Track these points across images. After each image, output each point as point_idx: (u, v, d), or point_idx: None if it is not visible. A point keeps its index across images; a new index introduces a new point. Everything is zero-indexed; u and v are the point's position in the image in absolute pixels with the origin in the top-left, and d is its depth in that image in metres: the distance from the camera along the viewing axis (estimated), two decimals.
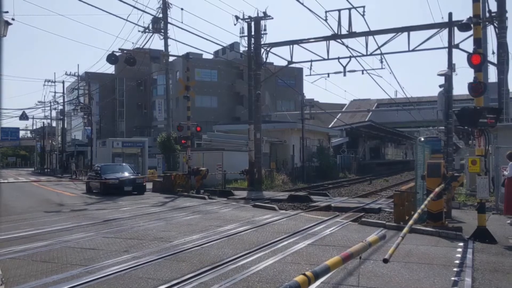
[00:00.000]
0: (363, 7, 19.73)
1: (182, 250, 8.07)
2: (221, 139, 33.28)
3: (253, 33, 22.94)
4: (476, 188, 9.43)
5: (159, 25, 30.35)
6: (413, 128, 60.32)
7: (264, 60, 23.31)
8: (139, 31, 30.39)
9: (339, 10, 20.22)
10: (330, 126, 50.37)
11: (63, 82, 55.88)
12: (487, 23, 17.73)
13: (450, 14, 18.30)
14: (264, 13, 22.84)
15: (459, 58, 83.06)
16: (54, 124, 65.68)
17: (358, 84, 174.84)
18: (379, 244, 6.67)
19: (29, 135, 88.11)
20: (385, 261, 4.07)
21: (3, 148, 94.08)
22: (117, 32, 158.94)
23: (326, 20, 19.98)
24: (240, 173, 23.69)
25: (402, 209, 10.70)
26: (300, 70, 54.95)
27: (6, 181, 35.49)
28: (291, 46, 22.30)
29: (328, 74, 24.62)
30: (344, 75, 22.53)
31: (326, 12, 19.91)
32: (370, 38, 20.51)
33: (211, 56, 50.45)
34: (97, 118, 47.78)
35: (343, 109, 65.19)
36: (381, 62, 22.52)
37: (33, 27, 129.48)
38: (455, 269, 6.63)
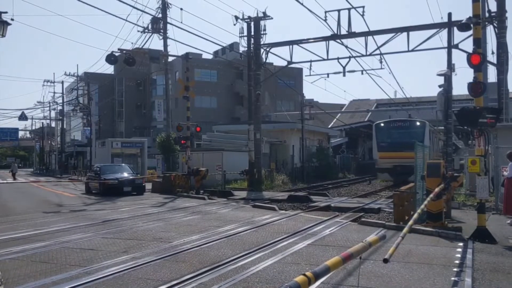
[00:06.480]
0: (363, 7, 19.77)
1: (181, 250, 8.05)
2: (221, 140, 33.23)
3: (252, 33, 22.93)
4: (475, 188, 9.42)
5: (159, 25, 30.29)
6: None
7: (264, 60, 23.30)
8: (138, 31, 30.34)
9: (338, 11, 20.24)
10: (329, 126, 50.39)
11: (62, 83, 55.91)
12: (486, 23, 17.73)
13: (449, 14, 18.31)
14: (264, 13, 22.84)
15: (459, 58, 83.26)
16: (53, 124, 65.79)
17: (357, 84, 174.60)
18: (379, 244, 6.65)
19: (28, 135, 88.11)
20: (385, 261, 4.06)
21: (2, 148, 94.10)
22: (116, 32, 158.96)
23: (325, 20, 20.01)
24: (240, 173, 23.66)
25: (401, 209, 10.69)
26: (300, 70, 54.91)
27: (4, 181, 35.46)
28: (291, 46, 22.30)
29: (328, 74, 24.74)
30: (344, 75, 22.59)
31: (325, 12, 19.93)
32: (370, 38, 20.54)
33: (210, 56, 50.47)
34: (96, 119, 47.77)
35: (343, 109, 65.15)
36: (381, 62, 22.56)
37: (32, 27, 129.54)
38: (455, 269, 6.62)
